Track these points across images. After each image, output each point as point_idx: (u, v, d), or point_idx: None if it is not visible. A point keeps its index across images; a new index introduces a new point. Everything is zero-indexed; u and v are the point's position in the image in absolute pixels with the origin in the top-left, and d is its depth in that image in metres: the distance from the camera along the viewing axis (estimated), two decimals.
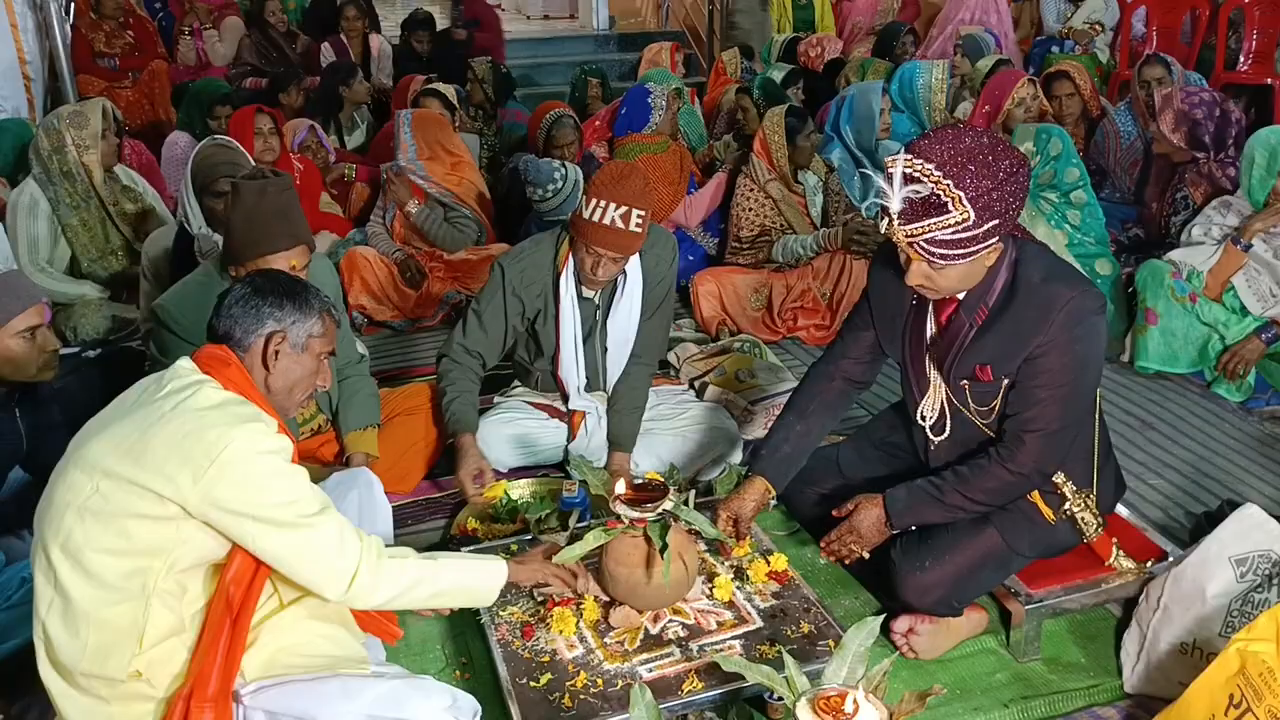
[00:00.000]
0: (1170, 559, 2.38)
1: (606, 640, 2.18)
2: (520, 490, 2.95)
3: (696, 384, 3.56)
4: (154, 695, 1.75)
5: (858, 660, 1.78)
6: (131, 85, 6.40)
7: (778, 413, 2.55)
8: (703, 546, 2.44)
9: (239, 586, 1.76)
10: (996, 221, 1.96)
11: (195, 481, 1.66)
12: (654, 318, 3.06)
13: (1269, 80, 6.10)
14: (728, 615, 2.25)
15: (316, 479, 1.88)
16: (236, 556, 1.76)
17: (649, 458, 3.04)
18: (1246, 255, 3.59)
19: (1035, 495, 2.27)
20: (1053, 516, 2.28)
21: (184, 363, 1.83)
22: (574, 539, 2.28)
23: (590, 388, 3.12)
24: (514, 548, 2.51)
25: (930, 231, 1.96)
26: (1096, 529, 2.32)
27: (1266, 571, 2.18)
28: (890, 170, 1.96)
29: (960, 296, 2.16)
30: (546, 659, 2.13)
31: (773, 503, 2.53)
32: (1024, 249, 2.17)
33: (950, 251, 1.98)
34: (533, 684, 2.07)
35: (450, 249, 4.56)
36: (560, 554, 2.17)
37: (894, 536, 2.30)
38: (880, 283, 2.35)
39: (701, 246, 4.83)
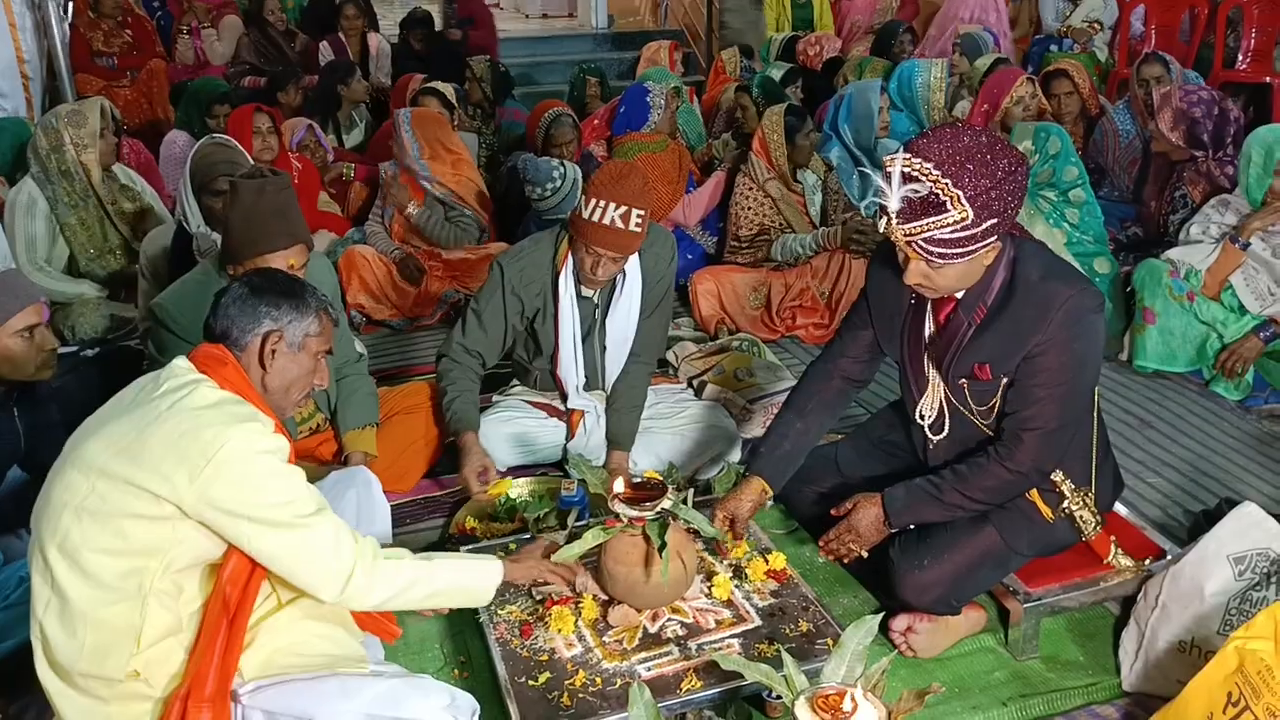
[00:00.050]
0: (1168, 557, 2.38)
1: (605, 639, 2.17)
2: (519, 489, 2.95)
3: (695, 383, 3.55)
4: (152, 695, 1.75)
5: (856, 659, 1.78)
6: (130, 84, 6.39)
7: (776, 411, 2.55)
8: (701, 545, 2.44)
9: (235, 586, 1.76)
10: (995, 220, 1.96)
11: (191, 481, 1.66)
12: (653, 317, 3.06)
13: (1267, 79, 6.10)
14: (726, 614, 2.25)
15: (315, 478, 1.89)
16: (233, 556, 1.76)
17: (648, 456, 3.04)
18: (1245, 254, 3.59)
19: (1034, 494, 2.26)
20: (1051, 515, 2.28)
21: (180, 362, 1.82)
22: (572, 538, 2.29)
23: (589, 387, 3.12)
24: (512, 547, 2.50)
25: (929, 230, 1.95)
26: (1095, 527, 2.32)
27: (1265, 569, 2.18)
28: (889, 169, 1.96)
29: (959, 295, 2.16)
30: (545, 658, 2.13)
31: (770, 502, 2.53)
32: (1022, 247, 2.17)
33: (949, 250, 1.98)
34: (531, 683, 2.07)
35: (450, 248, 4.55)
36: (559, 553, 2.18)
37: (892, 535, 2.30)
38: (879, 281, 2.35)
39: (700, 245, 4.82)
